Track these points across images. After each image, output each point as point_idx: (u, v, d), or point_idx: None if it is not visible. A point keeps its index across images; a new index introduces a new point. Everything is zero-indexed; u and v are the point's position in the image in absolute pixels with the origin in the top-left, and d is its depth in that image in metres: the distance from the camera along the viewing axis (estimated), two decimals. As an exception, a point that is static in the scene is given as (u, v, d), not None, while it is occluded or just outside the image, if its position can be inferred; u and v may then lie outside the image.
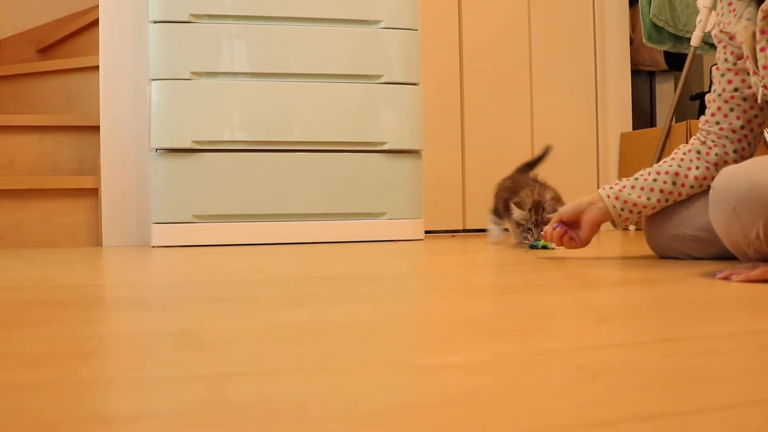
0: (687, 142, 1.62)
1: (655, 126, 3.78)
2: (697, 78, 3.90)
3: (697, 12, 3.19)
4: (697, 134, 1.59)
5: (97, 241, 2.63)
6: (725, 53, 1.50)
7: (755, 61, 1.34)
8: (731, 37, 1.44)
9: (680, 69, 3.57)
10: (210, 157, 2.48)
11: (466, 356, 0.65)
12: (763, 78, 1.31)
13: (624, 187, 1.58)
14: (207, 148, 2.47)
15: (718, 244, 1.46)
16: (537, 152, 2.52)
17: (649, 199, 1.56)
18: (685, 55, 3.29)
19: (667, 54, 3.70)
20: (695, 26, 2.99)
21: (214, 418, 0.46)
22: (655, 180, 1.56)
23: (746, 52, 1.34)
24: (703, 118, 1.58)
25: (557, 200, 2.01)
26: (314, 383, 0.56)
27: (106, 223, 2.60)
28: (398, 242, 2.50)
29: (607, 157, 3.44)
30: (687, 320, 0.82)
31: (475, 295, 1.08)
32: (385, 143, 2.59)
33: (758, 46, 1.31)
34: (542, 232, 1.71)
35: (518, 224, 2.04)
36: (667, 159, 1.59)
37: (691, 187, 1.55)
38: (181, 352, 0.68)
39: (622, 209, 1.58)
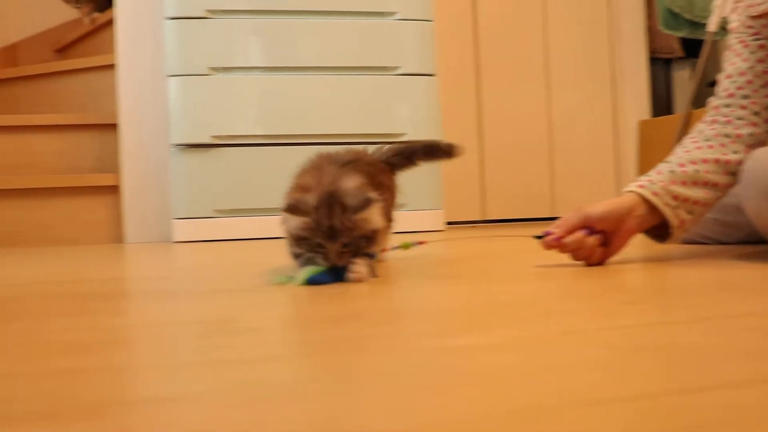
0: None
1: (673, 113, 3.76)
2: (714, 64, 3.87)
3: (714, -3, 3.16)
4: (713, 115, 1.31)
5: (118, 238, 2.65)
6: (749, 47, 1.31)
7: None
8: (760, 24, 1.34)
9: (697, 55, 3.54)
10: (229, 152, 2.49)
11: (493, 337, 0.65)
12: None
13: (663, 181, 1.21)
14: (226, 142, 2.48)
15: (744, 227, 1.43)
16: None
17: (697, 193, 1.21)
18: (701, 41, 3.26)
19: (683, 40, 3.67)
20: (712, 11, 2.97)
21: (247, 397, 0.47)
22: (696, 171, 1.22)
23: None
24: (721, 95, 1.32)
25: (369, 187, 1.11)
26: (350, 364, 0.56)
27: (127, 219, 2.62)
28: (419, 233, 2.50)
29: (625, 145, 3.42)
30: (718, 300, 0.82)
31: (503, 281, 1.08)
32: (402, 135, 2.59)
33: None
34: (554, 238, 1.13)
35: (299, 240, 1.04)
36: (688, 145, 1.28)
37: (732, 174, 1.23)
38: (212, 339, 0.69)
39: (677, 207, 1.19)
